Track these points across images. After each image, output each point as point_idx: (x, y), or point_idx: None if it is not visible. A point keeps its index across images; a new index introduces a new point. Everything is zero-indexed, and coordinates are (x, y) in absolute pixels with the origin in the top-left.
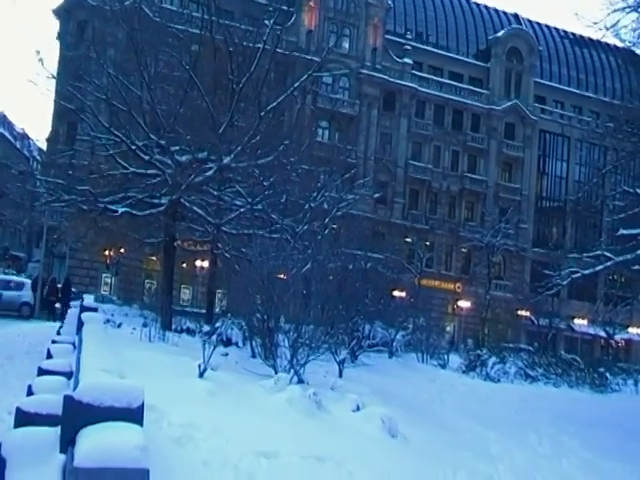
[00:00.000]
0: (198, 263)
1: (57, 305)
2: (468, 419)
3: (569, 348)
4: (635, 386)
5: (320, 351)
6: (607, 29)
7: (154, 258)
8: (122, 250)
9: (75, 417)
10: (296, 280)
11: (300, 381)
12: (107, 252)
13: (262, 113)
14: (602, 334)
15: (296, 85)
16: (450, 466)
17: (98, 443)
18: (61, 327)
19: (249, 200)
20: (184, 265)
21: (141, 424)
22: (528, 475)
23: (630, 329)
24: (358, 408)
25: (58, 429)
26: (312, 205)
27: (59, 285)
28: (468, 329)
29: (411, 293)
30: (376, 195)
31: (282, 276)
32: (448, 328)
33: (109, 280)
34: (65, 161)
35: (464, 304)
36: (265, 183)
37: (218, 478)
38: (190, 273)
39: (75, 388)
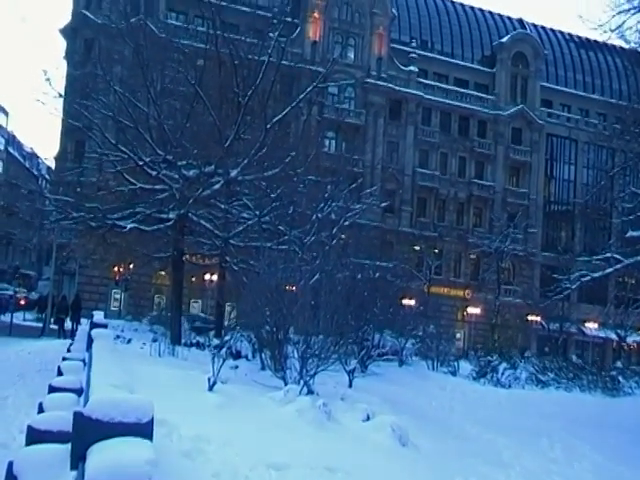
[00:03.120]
0: (207, 277)
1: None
2: (479, 426)
3: (580, 352)
4: None
5: (329, 361)
6: (612, 31)
7: (163, 273)
8: (131, 266)
9: (85, 433)
10: (305, 291)
11: (310, 392)
12: (116, 268)
13: (268, 126)
14: (613, 337)
15: (302, 96)
16: (461, 473)
17: (108, 459)
18: (71, 344)
19: (257, 213)
20: (193, 279)
21: (151, 439)
22: None
23: None
24: (368, 418)
25: (69, 446)
26: (319, 216)
27: (69, 302)
28: (478, 335)
29: (420, 301)
30: (384, 204)
31: (291, 288)
32: (458, 335)
33: (119, 296)
34: (73, 179)
35: (473, 310)
36: (272, 195)
37: None
38: (199, 287)
39: (85, 405)
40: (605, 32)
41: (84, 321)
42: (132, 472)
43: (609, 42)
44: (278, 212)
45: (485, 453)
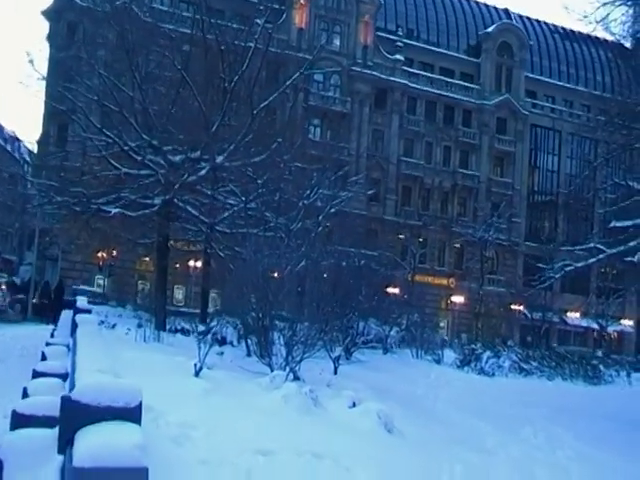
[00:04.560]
0: (191, 263)
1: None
2: (463, 413)
3: (562, 341)
4: (628, 377)
5: (315, 349)
6: (597, 22)
7: (147, 259)
8: (115, 252)
9: (73, 418)
10: (290, 278)
11: (296, 378)
12: (100, 254)
13: (255, 111)
14: (595, 326)
15: (288, 83)
16: (446, 460)
17: (97, 443)
18: (55, 330)
19: (243, 199)
20: (177, 265)
21: (139, 423)
22: (523, 467)
23: (622, 321)
24: (354, 404)
25: (55, 430)
26: (305, 203)
27: (52, 287)
28: (462, 324)
29: (405, 289)
30: (370, 192)
31: (276, 274)
32: (442, 324)
33: (102, 282)
34: (56, 163)
35: (457, 299)
36: (259, 181)
37: (216, 476)
38: (183, 273)
39: (71, 390)
40: (590, 23)
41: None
42: (121, 456)
43: (594, 34)
44: (264, 199)
45: (470, 440)
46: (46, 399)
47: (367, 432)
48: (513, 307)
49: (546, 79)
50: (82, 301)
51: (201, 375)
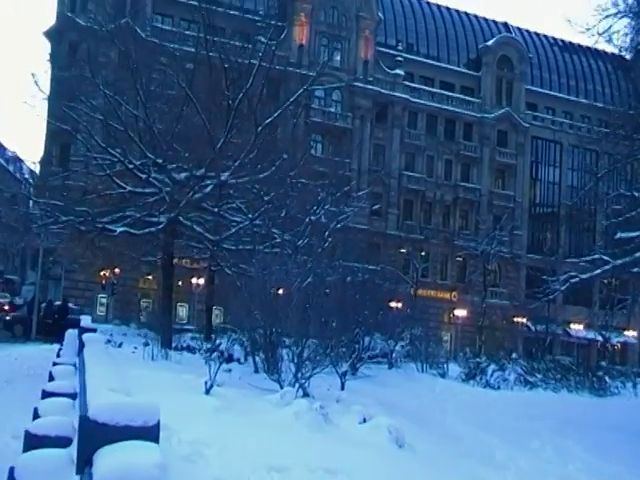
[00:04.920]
0: (194, 280)
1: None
2: (471, 427)
3: (566, 353)
4: (634, 389)
5: (323, 365)
6: (600, 34)
7: (150, 277)
8: (117, 270)
9: (91, 437)
10: (298, 295)
11: (305, 395)
12: (103, 273)
13: (259, 128)
14: (598, 338)
15: (292, 99)
16: (458, 474)
17: (116, 463)
18: (60, 349)
19: (249, 215)
20: (180, 283)
21: (157, 442)
22: None
23: (626, 332)
24: (364, 420)
25: (69, 450)
26: (312, 219)
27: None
28: (465, 338)
29: (408, 304)
30: (376, 207)
31: (283, 291)
32: (445, 337)
33: (105, 300)
34: (59, 183)
35: (460, 313)
36: (265, 198)
37: None
38: (186, 291)
39: (82, 409)
40: (593, 35)
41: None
42: (141, 476)
43: (595, 46)
44: (270, 215)
45: (479, 454)
46: (57, 419)
47: (378, 447)
48: (516, 319)
49: (546, 91)
50: (86, 320)
51: (212, 393)
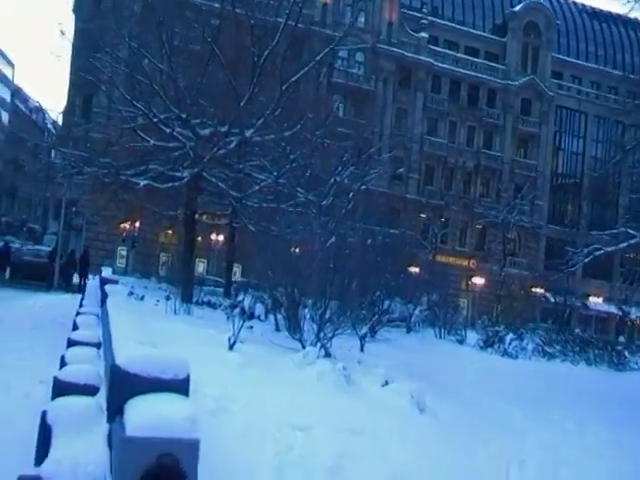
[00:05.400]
0: (214, 237)
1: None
2: (490, 395)
3: (583, 326)
4: None
5: (344, 326)
6: (636, 1)
7: (170, 232)
8: (138, 224)
9: (122, 387)
10: (321, 254)
11: (327, 355)
12: (123, 225)
13: (284, 86)
14: (617, 312)
15: (318, 58)
16: (479, 441)
17: (148, 413)
18: (82, 299)
19: (274, 173)
20: (200, 239)
21: (187, 395)
22: (555, 450)
23: None
24: (386, 383)
25: (97, 398)
26: (338, 180)
27: (77, 257)
28: (482, 305)
29: (426, 269)
30: (400, 170)
31: (305, 250)
32: (461, 304)
33: (125, 253)
34: (81, 134)
35: (478, 281)
36: (292, 156)
37: (258, 449)
38: (205, 247)
39: (108, 359)
40: (628, 2)
41: (91, 277)
42: (173, 427)
43: (628, 14)
44: (295, 174)
45: (499, 422)
46: (85, 367)
47: (400, 411)
48: (534, 290)
49: (573, 60)
50: (107, 272)
51: (235, 349)
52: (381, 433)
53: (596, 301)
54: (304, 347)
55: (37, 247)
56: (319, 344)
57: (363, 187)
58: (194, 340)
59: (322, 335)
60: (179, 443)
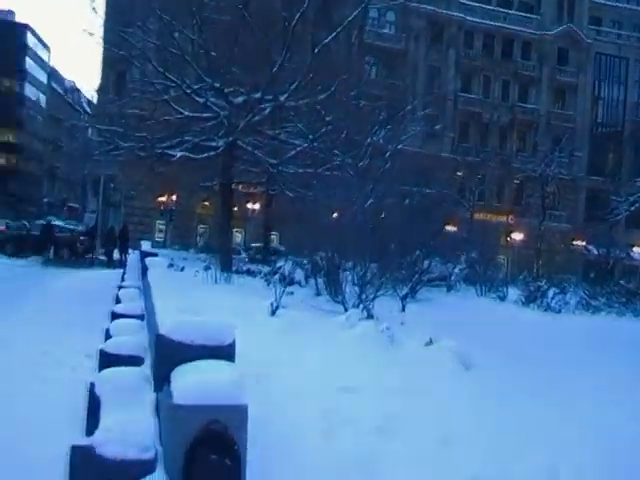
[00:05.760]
0: (250, 205)
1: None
2: (536, 351)
3: (628, 277)
4: None
5: (386, 287)
6: None
7: (206, 203)
8: (175, 197)
9: (168, 356)
10: (360, 217)
11: (370, 317)
12: (161, 199)
13: (316, 50)
14: None
15: (350, 18)
16: (527, 397)
17: (195, 381)
18: (124, 273)
19: (310, 137)
20: (235, 208)
21: (234, 361)
22: (607, 409)
23: None
24: (430, 342)
25: (143, 369)
26: (375, 139)
27: (117, 233)
28: (522, 261)
29: (465, 227)
30: (437, 126)
31: (344, 214)
32: (501, 261)
33: (163, 227)
34: (116, 111)
35: (517, 236)
36: (327, 118)
37: (305, 412)
38: (242, 216)
39: (152, 330)
40: None
41: (131, 251)
42: (221, 393)
43: None
44: (331, 137)
45: (548, 378)
46: (129, 339)
47: (446, 370)
48: (575, 243)
49: (611, 3)
50: (146, 245)
51: (277, 314)
52: (428, 392)
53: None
54: (346, 310)
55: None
56: (361, 306)
57: (401, 146)
58: (236, 308)
59: (364, 297)
60: (227, 409)
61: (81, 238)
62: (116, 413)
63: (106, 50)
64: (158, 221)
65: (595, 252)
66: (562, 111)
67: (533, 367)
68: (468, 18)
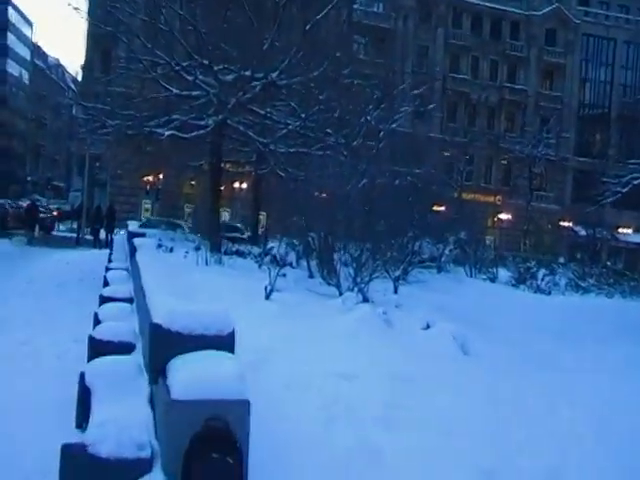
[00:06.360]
0: (237, 185)
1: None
2: (531, 333)
3: (614, 259)
4: None
5: (380, 269)
6: None
7: (193, 183)
8: (161, 176)
9: (163, 346)
10: (354, 197)
11: (365, 300)
12: (147, 178)
13: (307, 27)
14: None
15: None
16: (529, 381)
17: (194, 374)
18: (111, 254)
19: (302, 115)
20: (222, 187)
21: (233, 352)
22: (602, 389)
23: None
24: (428, 326)
25: (135, 357)
26: (369, 118)
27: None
28: (509, 242)
29: (453, 208)
30: (428, 107)
31: (336, 194)
32: (488, 241)
33: (149, 206)
34: (102, 89)
35: (505, 216)
36: (321, 97)
37: (304, 401)
38: (228, 196)
39: (143, 316)
40: None
41: (117, 231)
42: (222, 388)
43: None
44: (324, 116)
45: (545, 360)
46: (119, 325)
47: (445, 354)
48: (562, 224)
49: None
50: (133, 225)
51: (271, 298)
52: (429, 379)
53: (626, 232)
54: (341, 293)
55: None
56: (356, 289)
57: (395, 125)
58: (229, 291)
59: (359, 279)
60: (228, 405)
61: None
62: (109, 406)
63: (91, 25)
64: (144, 200)
65: (583, 233)
66: (550, 92)
67: (529, 350)
68: None
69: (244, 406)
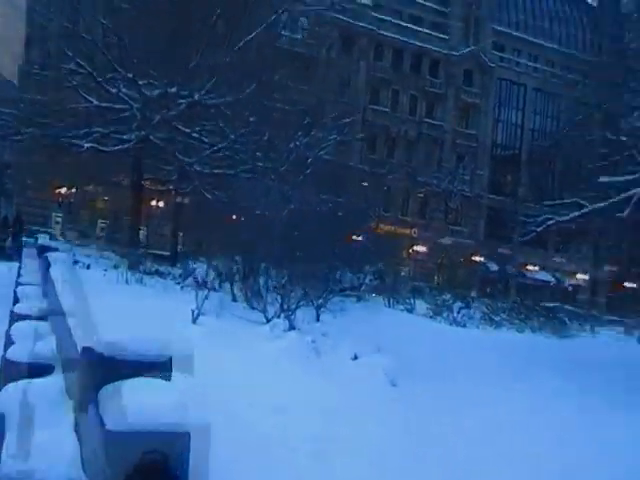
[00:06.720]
0: (154, 203)
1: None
2: (454, 365)
3: (523, 295)
4: (592, 331)
5: (304, 297)
6: None
7: (106, 198)
8: (74, 189)
9: (96, 372)
10: (278, 222)
11: (292, 327)
12: (58, 191)
13: (237, 47)
14: (551, 280)
15: (270, 20)
16: (459, 414)
17: (131, 403)
18: (21, 268)
19: (232, 136)
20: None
21: (170, 379)
22: (529, 418)
23: (578, 275)
24: (356, 357)
25: (56, 380)
26: (298, 144)
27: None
28: (423, 274)
29: (370, 238)
30: (359, 136)
31: (261, 218)
32: (403, 273)
33: (60, 219)
34: (16, 94)
35: (420, 249)
36: (251, 119)
37: (234, 436)
38: (145, 213)
39: (57, 333)
40: None
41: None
42: (160, 418)
43: None
44: (252, 138)
45: (469, 393)
46: (38, 345)
47: (373, 386)
48: (475, 259)
49: (513, 32)
50: (45, 239)
51: (198, 322)
52: (357, 411)
53: (534, 269)
54: (268, 319)
55: None
56: (282, 315)
57: (323, 152)
58: (153, 314)
59: (285, 307)
60: (167, 437)
61: None
62: (26, 437)
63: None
64: (55, 214)
65: (494, 268)
66: (466, 130)
67: (454, 382)
68: (379, 31)
69: (185, 438)
